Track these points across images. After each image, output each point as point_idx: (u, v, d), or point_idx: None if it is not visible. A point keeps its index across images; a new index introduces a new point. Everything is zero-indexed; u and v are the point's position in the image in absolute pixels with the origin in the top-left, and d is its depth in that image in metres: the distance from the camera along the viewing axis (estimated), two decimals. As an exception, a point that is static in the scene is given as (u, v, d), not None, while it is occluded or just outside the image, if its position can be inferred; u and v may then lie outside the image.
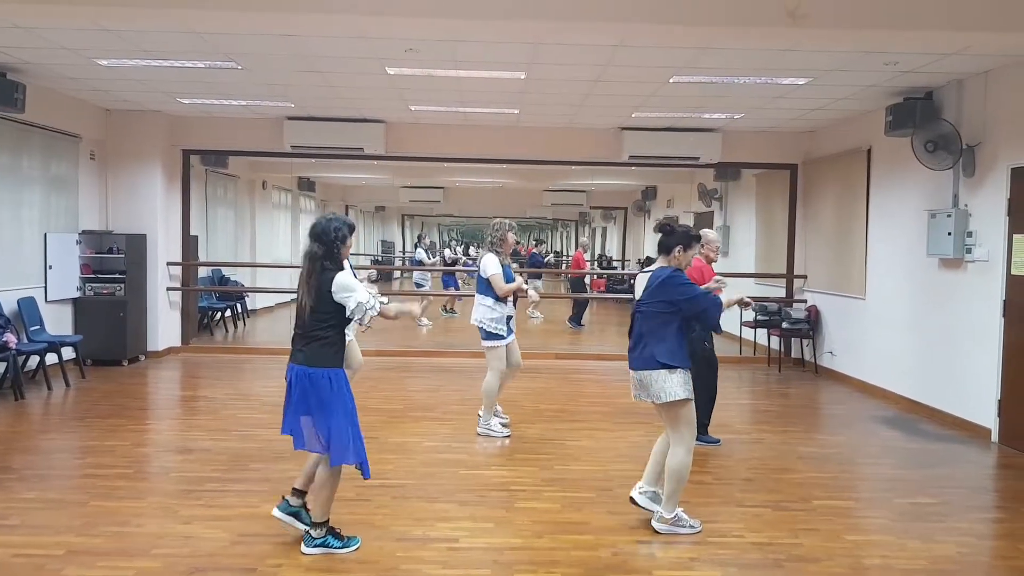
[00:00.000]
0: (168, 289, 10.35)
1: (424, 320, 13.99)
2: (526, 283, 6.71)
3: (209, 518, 4.48)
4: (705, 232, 6.42)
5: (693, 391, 4.32)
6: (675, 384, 4.24)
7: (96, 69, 7.61)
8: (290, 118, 10.03)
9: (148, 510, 4.64)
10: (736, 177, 12.83)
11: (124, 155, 9.96)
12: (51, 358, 8.17)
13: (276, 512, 4.19)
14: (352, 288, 3.96)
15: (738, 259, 12.75)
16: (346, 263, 4.23)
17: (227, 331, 12.99)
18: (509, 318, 6.44)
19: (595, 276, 20.34)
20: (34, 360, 8.15)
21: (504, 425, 6.56)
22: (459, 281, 16.95)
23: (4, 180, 8.14)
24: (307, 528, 4.11)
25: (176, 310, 10.60)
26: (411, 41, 6.40)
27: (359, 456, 4.03)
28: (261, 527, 4.34)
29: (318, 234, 4.01)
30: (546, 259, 26.87)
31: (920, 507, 4.99)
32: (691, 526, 4.41)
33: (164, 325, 10.26)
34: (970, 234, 7.02)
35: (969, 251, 7.02)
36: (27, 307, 8.25)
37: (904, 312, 8.11)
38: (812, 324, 10.08)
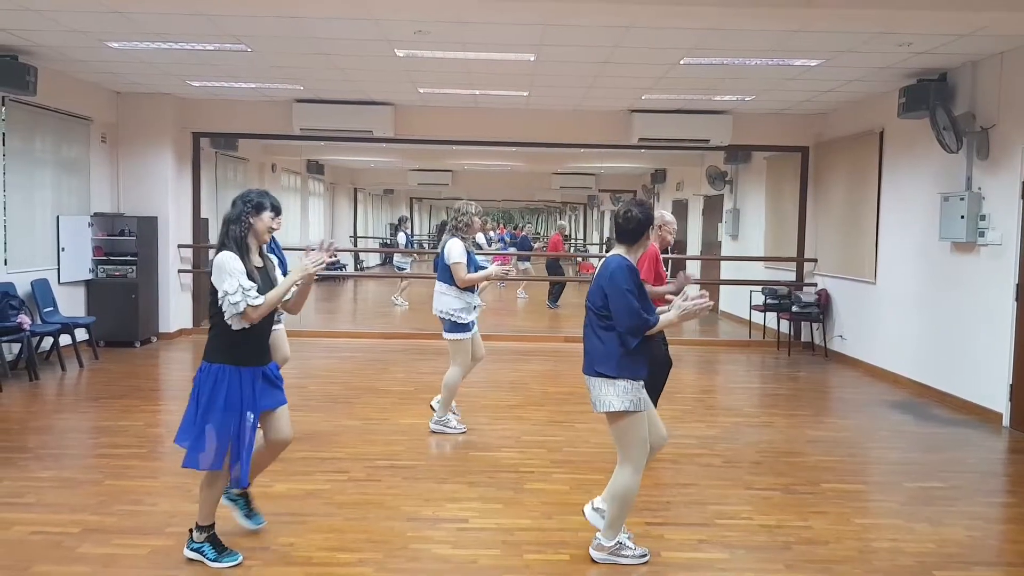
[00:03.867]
0: (179, 271, 10.40)
1: (400, 299, 14.07)
2: (506, 274, 6.11)
3: (222, 498, 4.52)
4: (662, 213, 5.56)
5: (643, 402, 3.66)
6: (612, 395, 3.61)
7: (106, 52, 7.62)
8: (299, 100, 10.02)
9: (162, 489, 4.70)
10: (747, 160, 12.75)
11: (135, 138, 9.98)
12: (64, 339, 8.25)
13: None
14: (225, 272, 3.46)
15: (748, 242, 12.70)
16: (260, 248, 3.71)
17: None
18: (476, 307, 5.90)
19: (580, 260, 20.28)
20: (48, 341, 8.23)
21: (458, 421, 6.12)
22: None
23: (17, 163, 8.18)
24: (249, 521, 3.98)
25: (187, 292, 10.66)
26: (420, 23, 6.38)
27: (212, 464, 3.58)
28: (273, 506, 4.39)
29: (228, 211, 3.63)
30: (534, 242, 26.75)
31: (930, 491, 4.99)
32: (636, 556, 3.80)
33: (175, 307, 10.32)
34: (983, 217, 6.96)
35: (982, 234, 6.96)
36: (40, 289, 8.32)
37: (915, 296, 8.07)
38: (822, 308, 10.04)
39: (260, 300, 3.49)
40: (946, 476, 5.30)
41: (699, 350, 10.43)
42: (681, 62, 7.51)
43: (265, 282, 3.62)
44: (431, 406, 6.12)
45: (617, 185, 21.65)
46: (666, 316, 3.63)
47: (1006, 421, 6.62)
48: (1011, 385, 6.60)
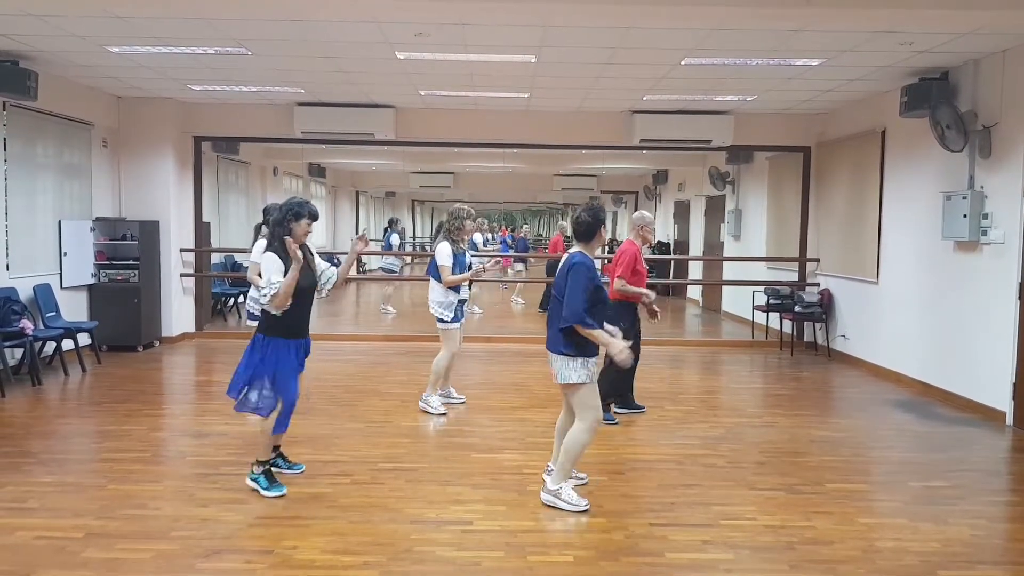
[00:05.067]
0: (181, 275, 10.41)
1: (387, 307, 14.04)
2: (484, 268, 6.74)
3: (226, 501, 4.53)
4: (642, 214, 6.52)
5: (595, 375, 4.45)
6: (571, 369, 4.39)
7: (107, 56, 7.63)
8: (300, 104, 10.03)
9: (165, 493, 4.70)
10: (748, 160, 12.75)
11: (136, 142, 10.00)
12: (67, 344, 8.26)
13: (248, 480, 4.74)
14: (263, 271, 4.42)
15: (750, 243, 12.69)
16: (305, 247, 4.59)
17: (240, 317, 13.05)
18: (462, 302, 6.59)
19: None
20: (50, 346, 8.23)
21: (446, 404, 6.75)
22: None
23: (18, 168, 8.19)
24: (286, 469, 4.93)
25: (190, 296, 10.67)
26: (421, 25, 6.38)
27: (254, 407, 4.60)
28: (277, 510, 4.39)
29: (275, 215, 4.56)
30: (531, 243, 26.77)
31: (933, 490, 4.98)
32: (574, 503, 4.45)
33: (178, 311, 10.33)
34: (986, 216, 6.95)
35: (985, 233, 6.95)
36: (43, 294, 8.33)
37: (918, 295, 8.06)
38: (825, 308, 10.03)
39: (276, 289, 4.37)
40: (950, 475, 5.28)
41: (702, 351, 10.42)
42: (682, 62, 7.50)
43: (306, 271, 4.53)
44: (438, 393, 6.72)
45: (619, 186, 21.65)
46: (603, 337, 4.37)
47: (1009, 420, 6.61)
48: (1014, 384, 6.58)
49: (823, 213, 10.35)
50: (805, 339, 10.53)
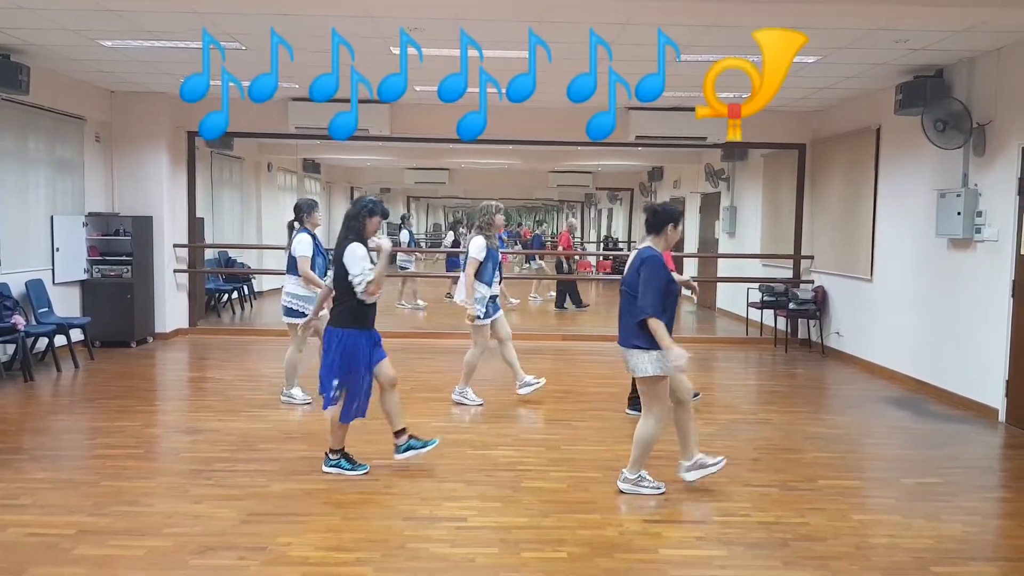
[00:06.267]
0: (175, 271, 10.36)
1: (419, 303, 13.95)
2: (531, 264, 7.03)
3: (219, 498, 4.51)
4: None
5: (669, 368, 4.50)
6: (647, 362, 4.48)
7: (99, 50, 7.58)
8: (294, 99, 9.99)
9: (158, 490, 4.68)
10: (743, 157, 12.75)
11: (129, 137, 9.94)
12: (60, 340, 8.21)
13: (396, 456, 5.08)
14: (356, 258, 4.72)
15: (745, 240, 12.71)
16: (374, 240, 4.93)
17: (234, 313, 13.03)
18: (493, 297, 6.67)
19: (597, 258, 20.23)
20: (43, 342, 8.19)
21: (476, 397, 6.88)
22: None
23: (10, 163, 8.14)
24: (419, 448, 5.08)
25: (183, 292, 10.63)
26: (415, 20, 6.36)
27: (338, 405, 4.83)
28: (270, 506, 4.38)
29: (349, 210, 4.98)
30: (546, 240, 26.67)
31: (927, 487, 5.00)
32: (654, 487, 4.67)
33: (171, 307, 10.28)
34: (980, 214, 6.96)
35: (978, 231, 6.97)
36: (35, 289, 8.28)
37: (912, 292, 8.08)
38: (819, 305, 10.04)
39: (371, 275, 4.70)
40: (943, 472, 5.30)
41: (696, 347, 10.42)
42: (678, 59, 7.48)
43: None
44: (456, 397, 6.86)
45: (614, 183, 21.64)
46: (667, 339, 4.39)
47: (1002, 417, 6.63)
48: (1007, 381, 6.60)
49: (818, 210, 10.37)
50: (799, 336, 10.55)
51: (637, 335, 4.46)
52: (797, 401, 7.44)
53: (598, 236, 28.22)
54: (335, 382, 4.76)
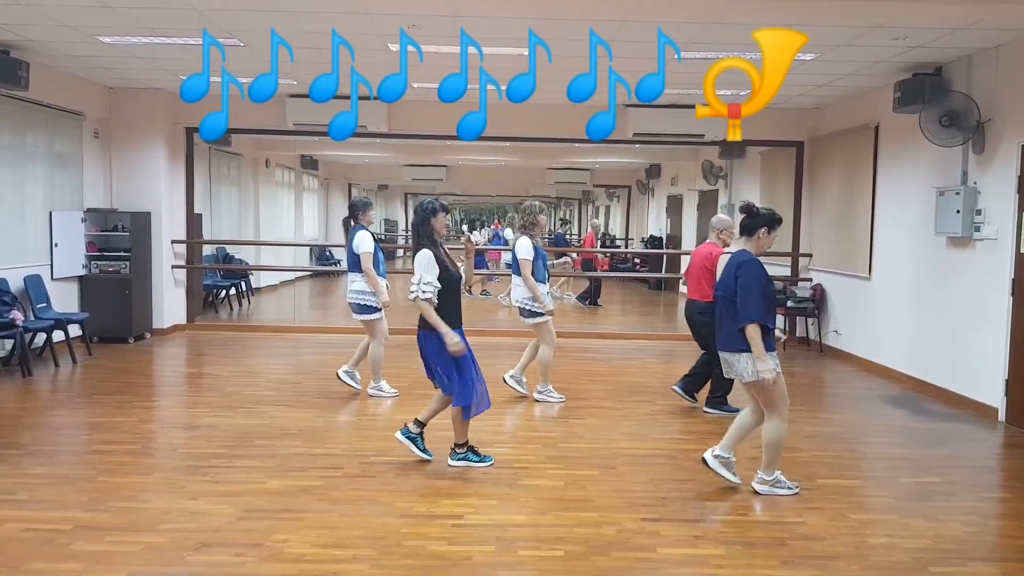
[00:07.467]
0: (173, 267, 10.35)
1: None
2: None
3: (215, 494, 4.51)
4: (721, 217, 6.78)
5: (777, 365, 4.49)
6: (755, 365, 4.44)
7: (98, 47, 7.56)
8: (292, 96, 9.96)
9: (155, 486, 4.67)
10: (741, 154, 12.72)
11: (127, 133, 9.92)
12: (58, 335, 8.21)
13: (398, 435, 5.12)
14: (419, 266, 4.78)
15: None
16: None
17: (232, 309, 13.02)
18: (546, 295, 6.75)
19: (600, 256, 20.17)
20: (41, 337, 8.17)
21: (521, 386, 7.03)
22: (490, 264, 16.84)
23: (9, 158, 8.12)
24: (422, 452, 5.08)
25: (181, 288, 10.62)
26: (413, 17, 6.34)
27: (464, 400, 4.82)
28: (267, 503, 4.37)
29: (413, 219, 5.06)
30: (569, 239, 26.56)
31: (926, 486, 4.99)
32: (789, 487, 4.68)
33: (169, 303, 10.27)
34: (979, 212, 6.96)
35: (978, 229, 6.96)
36: (33, 285, 8.26)
37: (911, 291, 8.07)
38: (817, 303, 10.04)
39: (426, 296, 4.73)
40: (942, 471, 5.30)
41: (695, 345, 10.40)
42: (678, 60, 7.47)
43: (453, 266, 4.94)
44: (537, 390, 6.93)
45: (612, 180, 21.63)
46: (760, 348, 4.41)
47: (1002, 416, 6.63)
48: (1007, 380, 6.60)
49: (816, 208, 10.36)
50: (797, 334, 10.55)
51: (741, 338, 4.46)
52: (795, 400, 7.36)
53: (596, 234, 28.13)
54: (452, 376, 4.82)
